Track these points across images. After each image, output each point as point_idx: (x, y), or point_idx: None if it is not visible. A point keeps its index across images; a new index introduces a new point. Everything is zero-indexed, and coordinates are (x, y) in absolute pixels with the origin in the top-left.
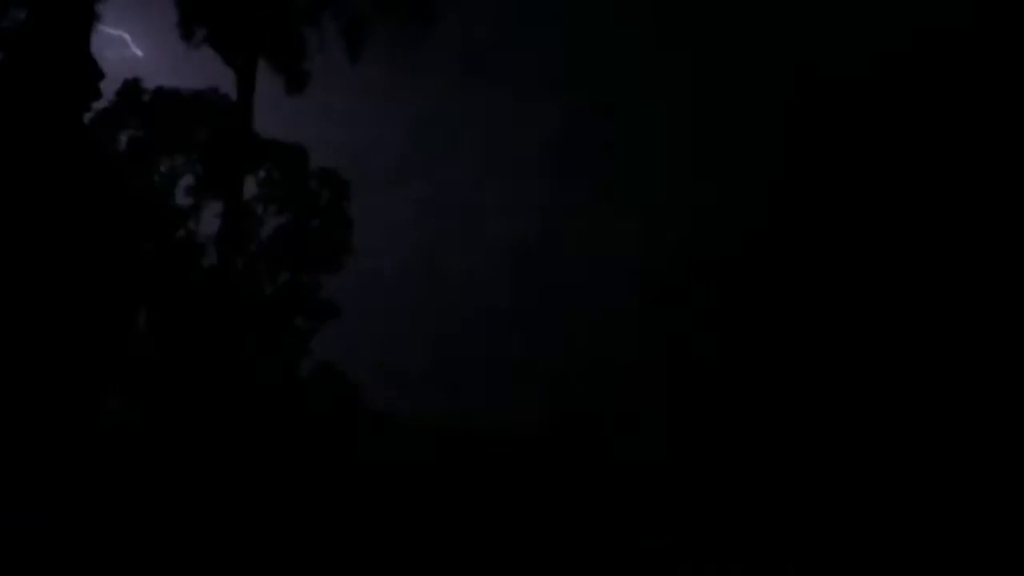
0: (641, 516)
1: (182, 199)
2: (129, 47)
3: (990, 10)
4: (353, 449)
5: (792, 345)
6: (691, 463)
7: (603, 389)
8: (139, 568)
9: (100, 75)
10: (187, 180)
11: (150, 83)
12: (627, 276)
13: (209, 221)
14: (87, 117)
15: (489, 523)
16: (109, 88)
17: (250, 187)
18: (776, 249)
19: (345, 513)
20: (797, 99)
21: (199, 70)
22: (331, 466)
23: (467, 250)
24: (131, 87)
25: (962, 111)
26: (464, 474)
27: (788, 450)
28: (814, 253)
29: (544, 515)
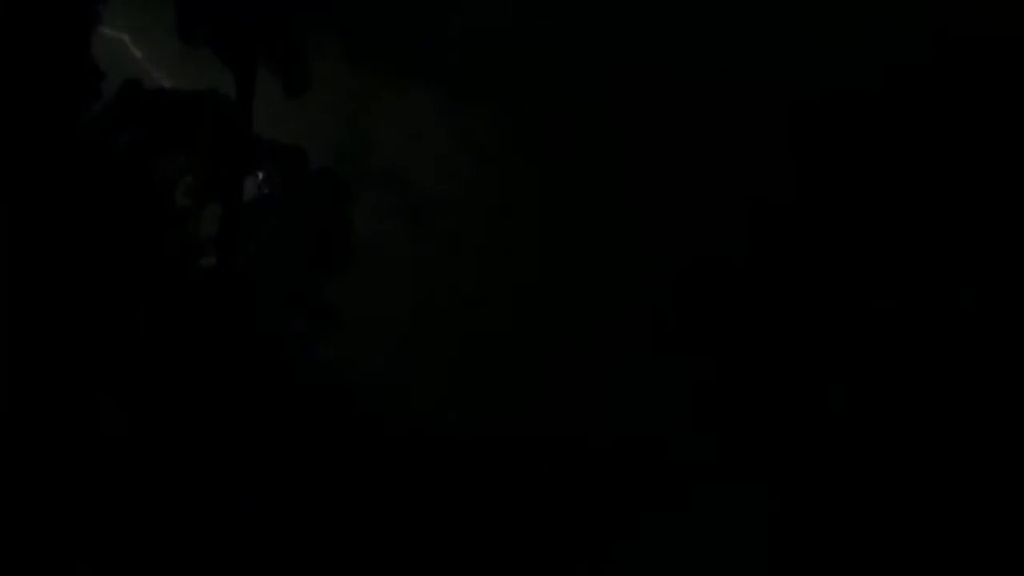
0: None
1: (182, 199)
2: (129, 48)
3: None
4: (353, 452)
5: (792, 346)
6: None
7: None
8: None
9: (100, 75)
10: (187, 180)
11: (150, 83)
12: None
13: (209, 221)
14: (87, 117)
15: (489, 523)
16: (109, 88)
17: (250, 187)
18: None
19: (345, 515)
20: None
21: (199, 70)
22: (331, 469)
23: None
24: (131, 87)
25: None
26: (464, 475)
27: (789, 449)
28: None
29: (544, 514)
